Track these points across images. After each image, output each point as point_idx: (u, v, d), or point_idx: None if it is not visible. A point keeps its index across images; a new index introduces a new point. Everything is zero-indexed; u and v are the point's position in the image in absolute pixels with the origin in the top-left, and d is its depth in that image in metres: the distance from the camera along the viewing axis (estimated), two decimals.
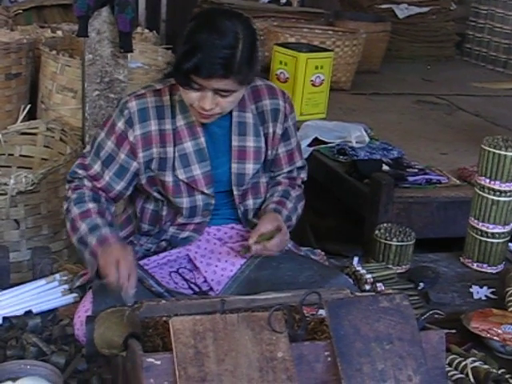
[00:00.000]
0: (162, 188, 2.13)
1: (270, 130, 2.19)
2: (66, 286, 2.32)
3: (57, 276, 2.35)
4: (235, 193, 2.17)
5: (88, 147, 2.18)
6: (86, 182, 2.13)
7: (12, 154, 3.23)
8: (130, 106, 2.06)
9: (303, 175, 2.36)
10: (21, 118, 3.37)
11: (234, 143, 2.14)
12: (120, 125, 2.07)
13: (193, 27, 1.95)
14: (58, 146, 3.18)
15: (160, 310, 1.80)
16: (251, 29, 1.98)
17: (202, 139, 2.09)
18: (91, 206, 2.07)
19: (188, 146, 2.08)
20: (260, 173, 2.21)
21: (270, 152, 2.21)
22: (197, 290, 2.11)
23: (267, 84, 2.22)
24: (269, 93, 2.19)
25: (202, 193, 2.12)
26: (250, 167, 2.16)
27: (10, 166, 3.22)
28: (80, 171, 2.14)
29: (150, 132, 2.07)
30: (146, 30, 4.64)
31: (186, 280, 2.13)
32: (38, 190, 2.76)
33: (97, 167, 2.11)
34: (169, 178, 2.10)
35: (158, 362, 1.55)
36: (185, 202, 2.11)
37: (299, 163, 2.32)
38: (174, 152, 2.08)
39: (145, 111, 2.06)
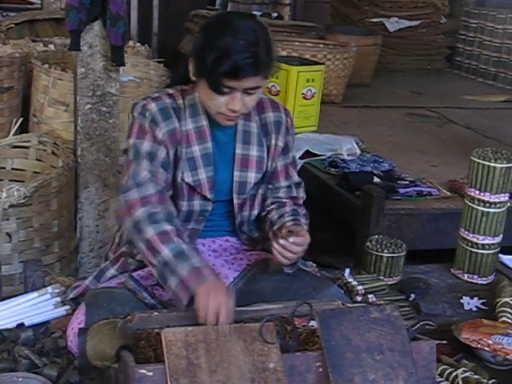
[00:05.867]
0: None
1: (273, 142, 2.21)
2: (58, 299, 2.31)
3: (49, 289, 2.34)
4: (235, 201, 2.17)
5: (123, 158, 2.14)
6: (152, 190, 2.01)
7: (4, 168, 3.24)
8: (150, 108, 2.07)
9: (302, 194, 2.33)
10: (13, 131, 3.38)
11: (238, 151, 2.16)
12: (147, 125, 2.06)
13: (212, 34, 1.98)
14: (49, 160, 3.18)
15: (152, 322, 1.80)
16: (262, 24, 2.05)
17: (210, 144, 2.12)
18: (168, 227, 1.95)
19: (196, 149, 2.10)
20: (259, 184, 2.22)
21: (270, 164, 2.22)
22: None
23: (270, 98, 2.27)
24: (272, 106, 2.23)
25: (202, 198, 2.12)
26: (252, 176, 2.17)
27: (1, 180, 3.22)
28: (144, 173, 2.02)
29: (175, 129, 2.08)
30: (138, 44, 4.66)
31: None
32: (30, 203, 2.76)
33: (146, 166, 2.03)
34: (178, 179, 2.11)
35: (151, 374, 1.55)
36: (184, 205, 2.12)
37: (296, 179, 2.31)
38: (186, 154, 2.10)
39: (165, 110, 2.08)
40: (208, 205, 2.15)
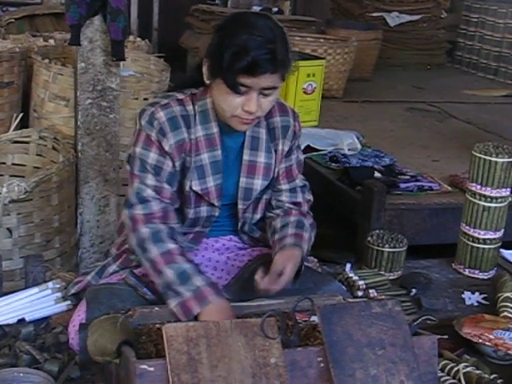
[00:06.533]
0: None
1: (279, 147, 2.18)
2: (59, 294, 2.31)
3: (50, 284, 2.35)
4: (240, 207, 2.15)
5: (128, 167, 2.10)
6: (156, 207, 2.02)
7: (4, 163, 3.23)
8: (158, 117, 2.02)
9: (308, 197, 2.29)
10: (13, 126, 3.37)
11: (245, 157, 2.12)
12: (154, 135, 2.02)
13: (229, 33, 1.94)
14: (50, 155, 3.17)
15: (153, 317, 1.80)
16: (279, 24, 2.01)
17: (219, 152, 2.08)
18: (172, 246, 1.96)
19: (205, 157, 2.06)
20: (265, 189, 2.19)
21: (277, 169, 2.19)
22: None
23: (278, 101, 2.19)
24: (280, 110, 2.18)
25: (209, 204, 2.10)
26: (259, 183, 2.14)
27: (2, 175, 3.21)
28: (148, 190, 2.02)
29: (184, 139, 2.04)
30: (139, 39, 4.64)
31: None
32: (31, 198, 2.75)
33: (150, 181, 2.03)
34: (186, 188, 2.08)
35: (152, 369, 1.55)
36: (191, 212, 2.11)
37: (300, 182, 2.27)
38: (194, 162, 2.06)
39: (174, 120, 2.03)
40: (215, 211, 2.13)
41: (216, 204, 2.11)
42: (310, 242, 2.18)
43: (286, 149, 2.19)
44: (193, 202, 2.10)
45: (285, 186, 2.24)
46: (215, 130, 2.07)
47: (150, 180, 2.03)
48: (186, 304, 1.87)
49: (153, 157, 2.03)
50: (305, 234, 2.15)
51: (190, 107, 2.07)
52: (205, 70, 2.01)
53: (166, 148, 2.02)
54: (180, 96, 2.09)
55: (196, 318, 1.85)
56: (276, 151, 2.18)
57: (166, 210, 2.03)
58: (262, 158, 2.14)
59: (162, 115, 2.02)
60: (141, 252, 1.99)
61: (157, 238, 1.97)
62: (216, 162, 2.08)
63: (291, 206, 2.22)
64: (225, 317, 1.81)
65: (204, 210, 2.11)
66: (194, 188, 2.07)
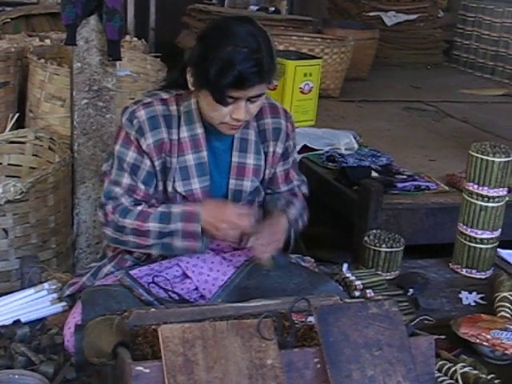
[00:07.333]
0: (159, 197, 2.12)
1: (271, 149, 2.18)
2: (55, 295, 2.30)
3: (45, 285, 2.34)
4: None
5: (106, 165, 2.13)
6: (124, 200, 2.05)
7: (0, 163, 3.22)
8: (138, 116, 2.03)
9: (304, 190, 2.33)
10: (9, 126, 3.36)
11: (234, 159, 2.12)
12: (133, 134, 2.03)
13: (212, 44, 1.92)
14: (46, 155, 3.17)
15: (149, 318, 1.79)
16: (261, 27, 2.00)
17: (205, 153, 2.08)
18: (139, 208, 2.03)
19: (189, 158, 2.07)
20: (257, 191, 2.20)
21: (268, 171, 2.20)
22: (176, 298, 2.09)
23: (270, 102, 2.20)
24: (271, 111, 2.18)
25: None
26: (248, 184, 2.14)
27: None
28: (116, 189, 2.06)
29: (162, 139, 2.04)
30: (135, 39, 4.64)
31: (163, 289, 2.11)
32: (27, 198, 2.75)
33: (126, 180, 2.05)
34: (169, 189, 2.08)
35: (147, 371, 1.54)
36: None
37: (297, 180, 2.30)
38: (177, 163, 2.06)
39: (154, 119, 2.03)
40: None
41: None
42: (300, 216, 2.24)
43: (280, 151, 2.19)
44: (180, 203, 2.09)
45: (284, 188, 2.26)
46: (200, 130, 2.07)
47: (126, 179, 2.06)
48: (186, 230, 1.97)
49: (131, 155, 2.05)
50: (292, 206, 2.21)
51: (173, 107, 2.07)
52: (189, 77, 2.00)
53: (144, 147, 2.04)
54: (165, 96, 2.09)
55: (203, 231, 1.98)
56: (267, 153, 2.18)
57: (136, 203, 2.06)
58: (251, 160, 2.14)
59: (142, 114, 2.03)
60: (120, 234, 2.04)
61: (124, 212, 2.03)
62: (201, 164, 2.08)
63: (286, 194, 2.27)
64: (220, 208, 1.97)
65: None
66: (178, 189, 2.08)
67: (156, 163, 2.06)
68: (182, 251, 2.04)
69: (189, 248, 2.01)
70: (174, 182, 2.07)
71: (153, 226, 1.99)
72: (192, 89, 2.01)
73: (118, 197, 2.06)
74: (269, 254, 2.06)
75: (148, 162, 2.05)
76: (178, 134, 2.06)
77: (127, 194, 2.06)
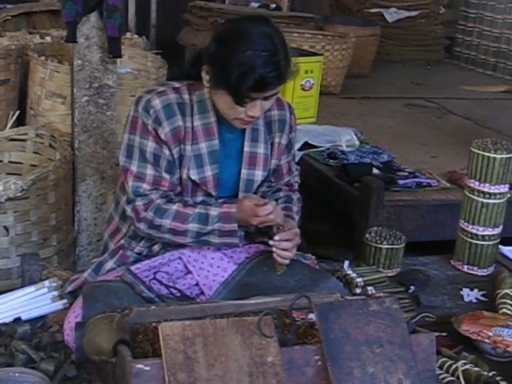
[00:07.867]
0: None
1: (276, 140, 2.22)
2: (56, 293, 2.30)
3: (46, 283, 2.34)
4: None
5: (123, 159, 2.11)
6: (154, 196, 2.07)
7: (1, 161, 3.22)
8: (154, 105, 2.04)
9: (297, 179, 2.40)
10: (10, 124, 3.36)
11: (246, 149, 2.15)
12: (150, 124, 2.04)
13: (231, 47, 1.94)
14: (47, 152, 3.16)
15: (150, 316, 1.79)
16: (276, 27, 2.04)
17: (217, 141, 2.11)
18: (175, 207, 2.06)
19: (203, 146, 2.09)
20: (263, 181, 2.23)
21: (273, 161, 2.23)
22: (178, 294, 2.09)
23: None
24: (277, 104, 2.22)
25: (205, 194, 2.13)
26: (260, 174, 2.17)
27: None
28: (143, 184, 2.06)
29: (179, 127, 2.06)
30: (136, 36, 4.63)
31: (164, 285, 2.11)
32: (28, 196, 2.74)
33: (150, 171, 2.06)
34: (183, 176, 2.10)
35: (148, 368, 1.54)
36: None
37: (295, 170, 2.37)
38: (192, 151, 2.09)
39: (169, 107, 2.05)
40: (211, 201, 2.14)
41: (213, 194, 2.13)
42: (298, 214, 2.32)
43: (285, 142, 2.24)
44: (189, 190, 2.12)
45: (286, 179, 2.33)
46: (213, 119, 2.09)
47: (149, 170, 2.07)
48: (224, 230, 2.05)
49: (151, 145, 2.06)
50: (293, 206, 2.28)
51: (186, 96, 2.09)
52: (204, 75, 2.02)
53: (162, 136, 2.05)
54: (176, 84, 2.12)
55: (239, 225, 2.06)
56: (273, 144, 2.21)
57: (165, 196, 2.08)
58: (261, 149, 2.18)
59: (157, 103, 2.04)
60: (156, 232, 2.08)
61: (160, 211, 2.05)
62: (213, 152, 2.11)
63: (282, 186, 2.33)
64: (246, 205, 2.03)
65: (200, 200, 2.14)
66: (192, 177, 2.10)
67: (174, 151, 2.07)
68: (219, 246, 2.13)
69: (226, 243, 2.10)
70: (188, 169, 2.09)
71: (191, 226, 2.05)
72: (207, 85, 2.03)
73: (147, 193, 2.07)
74: (290, 255, 2.11)
75: (167, 152, 2.07)
76: (192, 122, 2.08)
77: (155, 189, 2.07)
